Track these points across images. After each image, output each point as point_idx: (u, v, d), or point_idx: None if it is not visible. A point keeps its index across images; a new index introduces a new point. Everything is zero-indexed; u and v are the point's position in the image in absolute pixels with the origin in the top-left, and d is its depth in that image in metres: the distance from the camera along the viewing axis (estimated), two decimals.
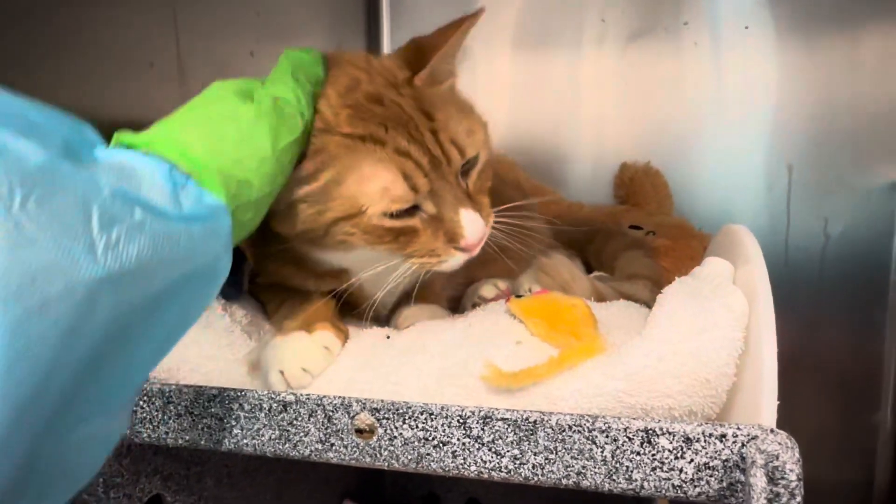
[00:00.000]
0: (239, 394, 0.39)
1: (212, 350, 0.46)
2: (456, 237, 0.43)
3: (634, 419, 0.32)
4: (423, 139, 0.42)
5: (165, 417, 0.40)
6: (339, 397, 0.37)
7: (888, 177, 0.84)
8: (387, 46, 1.01)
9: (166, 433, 0.41)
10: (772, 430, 0.30)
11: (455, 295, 0.61)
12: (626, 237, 0.77)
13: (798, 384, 0.88)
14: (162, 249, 0.28)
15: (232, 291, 0.48)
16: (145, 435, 0.41)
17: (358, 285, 0.49)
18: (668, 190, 0.89)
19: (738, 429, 0.31)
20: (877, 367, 0.87)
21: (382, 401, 0.36)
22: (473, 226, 0.43)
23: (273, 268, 0.51)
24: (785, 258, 0.88)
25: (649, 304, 0.57)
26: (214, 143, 0.34)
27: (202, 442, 0.40)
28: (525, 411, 0.34)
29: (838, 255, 0.86)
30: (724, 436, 0.31)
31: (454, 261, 0.45)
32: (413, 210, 0.43)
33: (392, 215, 0.42)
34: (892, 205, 0.84)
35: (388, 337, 0.48)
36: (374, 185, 0.41)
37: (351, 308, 0.56)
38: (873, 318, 0.87)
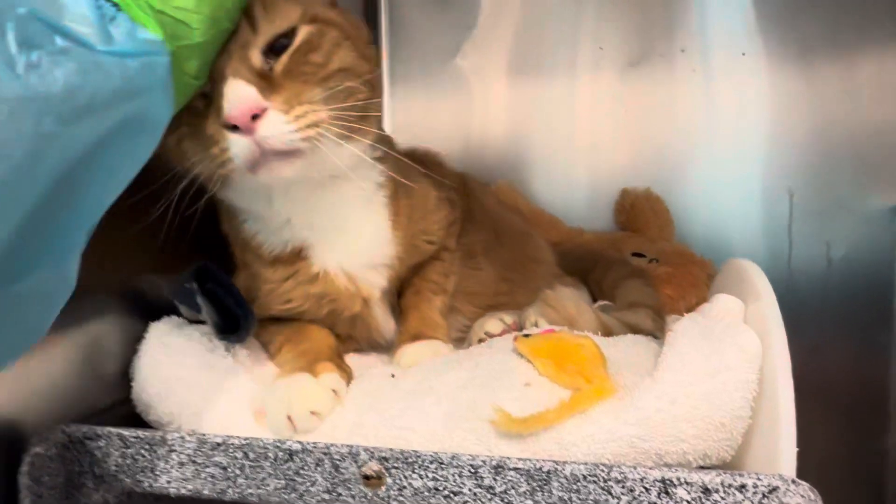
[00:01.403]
0: (244, 442, 0.38)
1: (215, 394, 0.45)
2: (219, 111, 0.39)
3: (651, 468, 0.32)
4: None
5: (168, 466, 0.39)
6: (347, 446, 0.36)
7: (888, 201, 0.84)
8: (386, 61, 1.02)
9: (168, 482, 0.40)
10: (794, 481, 0.29)
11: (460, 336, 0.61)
12: (626, 266, 0.77)
13: (804, 409, 0.87)
14: (93, 79, 0.27)
15: (234, 337, 0.47)
16: (146, 484, 0.40)
17: (306, 247, 0.49)
18: (669, 216, 0.89)
19: (759, 479, 0.30)
20: (883, 392, 0.87)
21: (391, 449, 0.35)
22: (234, 98, 0.39)
23: (245, 280, 0.52)
24: (787, 282, 0.88)
25: (653, 334, 0.57)
26: None
27: (205, 491, 0.39)
28: (538, 461, 0.33)
29: (841, 278, 0.86)
30: (743, 486, 0.30)
31: (235, 149, 0.40)
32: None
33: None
34: (893, 229, 0.84)
35: (393, 376, 0.47)
36: None
37: (353, 343, 0.56)
38: (878, 342, 0.86)
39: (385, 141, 0.53)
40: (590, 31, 0.93)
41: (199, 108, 0.41)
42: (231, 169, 0.41)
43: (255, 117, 0.39)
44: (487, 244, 0.67)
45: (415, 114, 1.02)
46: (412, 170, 0.58)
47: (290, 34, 0.42)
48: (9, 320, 0.27)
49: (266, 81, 0.40)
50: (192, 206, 0.44)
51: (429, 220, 0.58)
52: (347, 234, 0.51)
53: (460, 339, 0.61)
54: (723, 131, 0.89)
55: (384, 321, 0.55)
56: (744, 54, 0.88)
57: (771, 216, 0.87)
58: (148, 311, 0.53)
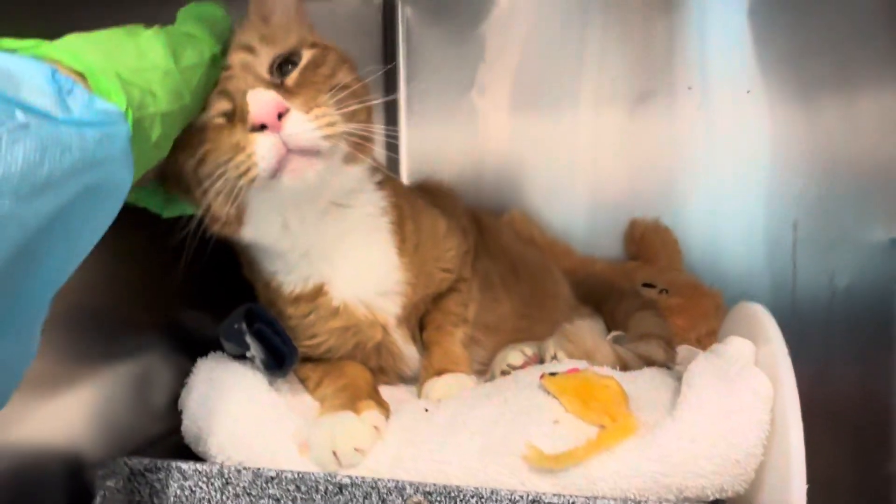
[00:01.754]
0: (296, 476, 0.41)
1: (260, 427, 0.48)
2: (245, 115, 0.42)
3: (676, 503, 0.35)
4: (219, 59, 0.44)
5: (224, 498, 0.43)
6: (394, 481, 0.39)
7: (890, 233, 0.87)
8: (403, 93, 1.06)
9: None
10: None
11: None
12: (638, 298, 0.80)
13: (811, 434, 0.90)
14: (52, 153, 0.27)
15: (280, 372, 0.50)
16: None
17: (325, 283, 0.52)
18: (678, 246, 0.93)
19: None
20: (888, 418, 0.89)
21: (434, 484, 0.39)
22: (259, 100, 0.42)
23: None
24: (792, 311, 0.91)
25: (664, 364, 0.61)
26: (112, 49, 0.34)
27: None
28: (572, 496, 0.36)
29: (845, 307, 0.89)
30: None
31: (262, 150, 0.42)
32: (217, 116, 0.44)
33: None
34: (894, 260, 0.87)
35: (427, 410, 0.50)
36: None
37: (382, 375, 0.59)
38: (882, 369, 0.89)
39: (381, 170, 0.56)
40: (603, 67, 0.97)
41: (221, 125, 0.44)
42: (254, 176, 0.42)
43: (279, 117, 0.42)
44: (505, 279, 0.70)
45: (429, 143, 1.06)
46: (417, 198, 0.62)
47: (293, 55, 0.46)
48: None
49: (282, 90, 0.44)
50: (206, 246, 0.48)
51: (440, 248, 0.61)
52: (358, 263, 0.54)
53: (481, 371, 0.64)
54: (727, 165, 0.93)
55: (406, 349, 0.58)
56: (748, 92, 0.91)
57: (775, 247, 0.91)
58: (191, 345, 0.57)
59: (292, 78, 0.45)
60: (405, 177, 1.05)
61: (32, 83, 0.28)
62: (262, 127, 0.41)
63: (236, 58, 0.45)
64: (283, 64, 0.45)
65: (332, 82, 0.46)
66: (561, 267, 0.87)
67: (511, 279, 0.71)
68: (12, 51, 0.31)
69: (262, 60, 0.45)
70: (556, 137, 0.99)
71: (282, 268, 0.53)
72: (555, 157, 1.00)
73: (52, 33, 0.35)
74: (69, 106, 0.29)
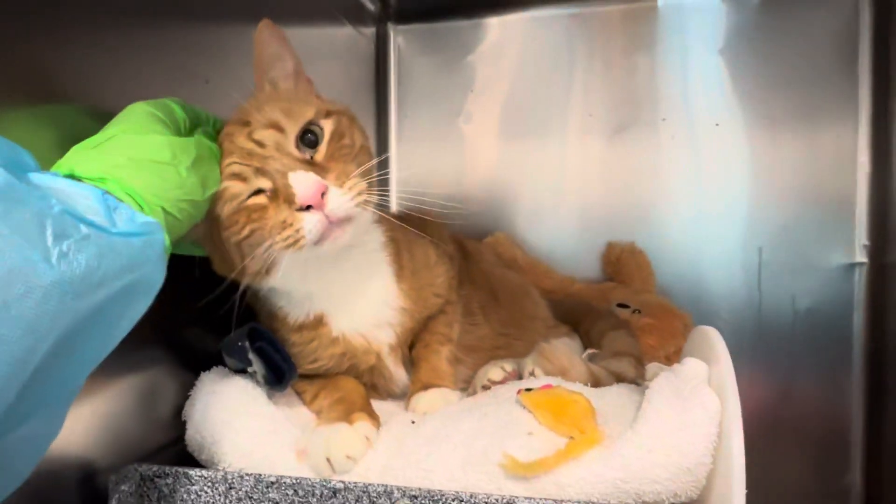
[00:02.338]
0: (294, 481, 0.45)
1: (260, 436, 0.52)
2: (290, 197, 0.47)
3: None
4: (238, 145, 0.49)
5: (227, 501, 0.47)
6: (382, 485, 0.44)
7: (847, 259, 0.93)
8: (394, 120, 1.11)
9: None
10: None
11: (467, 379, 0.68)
12: (612, 318, 0.85)
13: (773, 447, 0.96)
14: (107, 259, 0.32)
15: (279, 387, 0.55)
16: None
17: (326, 314, 0.57)
18: (651, 269, 0.98)
19: None
20: (846, 431, 0.95)
21: (419, 488, 0.43)
22: (304, 184, 0.47)
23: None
24: (758, 331, 0.97)
25: (634, 380, 0.66)
26: (159, 186, 0.40)
27: None
28: (541, 499, 0.41)
29: (806, 328, 0.95)
30: None
31: (309, 225, 0.47)
32: (257, 194, 0.49)
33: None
34: (851, 284, 0.93)
35: (413, 422, 0.55)
36: (224, 198, 0.49)
37: (374, 391, 0.64)
38: (840, 386, 0.95)
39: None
40: (581, 100, 1.03)
41: (264, 205, 0.49)
42: (301, 246, 0.48)
43: (321, 195, 0.47)
44: (485, 304, 0.75)
45: (417, 168, 1.11)
46: (407, 230, 0.67)
47: (311, 128, 0.51)
48: None
49: (315, 167, 0.49)
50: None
51: (433, 274, 0.66)
52: (359, 298, 0.59)
53: (463, 388, 0.69)
54: (699, 193, 0.99)
55: (396, 372, 0.63)
56: (717, 125, 0.98)
57: (742, 271, 0.97)
58: (194, 361, 0.61)
59: (321, 153, 0.50)
60: (394, 201, 1.11)
61: (87, 203, 0.34)
62: (308, 207, 0.47)
63: (267, 136, 0.49)
64: (305, 134, 0.50)
65: (354, 151, 0.52)
66: (541, 287, 0.92)
67: (491, 303, 0.76)
68: (71, 176, 0.37)
69: (290, 137, 0.50)
70: (540, 164, 1.05)
71: (287, 303, 0.58)
72: (538, 183, 1.06)
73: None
74: (115, 220, 0.34)
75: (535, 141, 1.06)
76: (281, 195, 0.48)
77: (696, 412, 0.45)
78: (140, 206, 0.38)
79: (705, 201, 0.99)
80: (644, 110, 1.01)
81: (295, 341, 0.58)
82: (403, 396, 0.65)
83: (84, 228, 0.32)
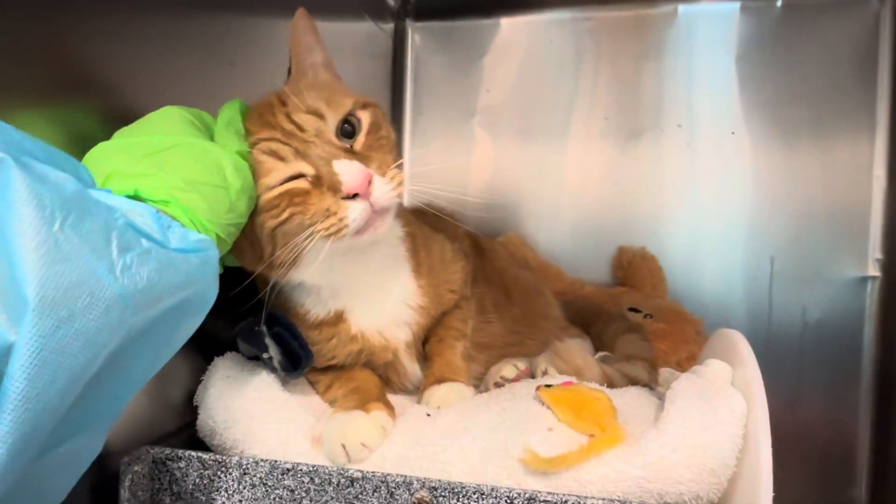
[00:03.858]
0: (311, 468, 0.45)
1: (275, 424, 0.51)
2: (336, 185, 0.47)
3: None
4: (277, 122, 0.49)
5: (241, 487, 0.46)
6: (401, 476, 0.43)
7: (859, 272, 0.93)
8: (408, 117, 1.11)
9: (240, 501, 0.46)
10: None
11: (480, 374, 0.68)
12: (624, 321, 0.85)
13: (779, 460, 0.95)
14: (167, 273, 0.32)
15: (296, 374, 0.54)
16: (220, 502, 0.46)
17: (346, 311, 0.56)
18: (663, 274, 0.98)
19: None
20: (852, 445, 0.94)
21: (439, 480, 0.42)
22: (350, 172, 0.47)
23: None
24: (767, 341, 0.96)
25: (647, 384, 0.65)
26: (213, 210, 0.40)
27: None
28: (564, 495, 0.40)
29: (815, 340, 0.95)
30: None
31: (354, 214, 0.47)
32: (297, 178, 0.48)
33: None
34: (863, 297, 0.93)
35: (429, 415, 0.54)
36: (258, 174, 0.48)
37: (387, 386, 0.63)
38: (848, 400, 0.94)
39: None
40: (598, 105, 1.03)
41: (304, 190, 0.48)
42: (343, 235, 0.47)
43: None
44: (498, 302, 0.75)
45: (430, 166, 1.10)
46: (423, 225, 0.66)
47: (350, 118, 0.51)
48: (34, 485, 0.28)
49: (356, 156, 0.49)
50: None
51: (449, 271, 0.65)
52: (378, 294, 0.58)
53: (475, 385, 0.68)
54: (712, 200, 0.99)
55: (411, 368, 0.62)
56: (733, 133, 0.98)
57: (753, 280, 0.96)
58: (207, 346, 0.60)
59: (360, 142, 0.50)
60: (407, 197, 1.10)
61: (142, 219, 0.34)
62: (354, 195, 0.47)
63: (308, 121, 0.49)
64: (344, 124, 0.50)
65: (390, 143, 0.52)
66: (552, 289, 0.91)
67: (504, 301, 0.76)
68: (135, 197, 0.37)
69: (331, 125, 0.49)
70: (553, 166, 1.05)
71: (308, 300, 0.57)
72: (550, 185, 1.05)
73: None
74: (169, 238, 0.35)
75: (548, 143, 1.06)
76: (325, 183, 0.47)
77: (721, 413, 0.45)
78: (196, 228, 0.38)
79: (718, 208, 0.99)
80: (659, 116, 1.01)
81: (314, 339, 0.57)
82: (416, 391, 0.64)
83: (145, 242, 0.32)
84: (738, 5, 0.97)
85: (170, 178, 0.38)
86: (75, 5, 0.45)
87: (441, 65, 1.10)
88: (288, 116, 0.49)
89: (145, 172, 0.38)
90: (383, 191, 0.48)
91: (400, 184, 0.49)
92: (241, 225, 0.44)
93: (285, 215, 0.47)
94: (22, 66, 0.41)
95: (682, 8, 0.99)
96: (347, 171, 0.47)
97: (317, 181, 0.48)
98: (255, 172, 0.47)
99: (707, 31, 0.99)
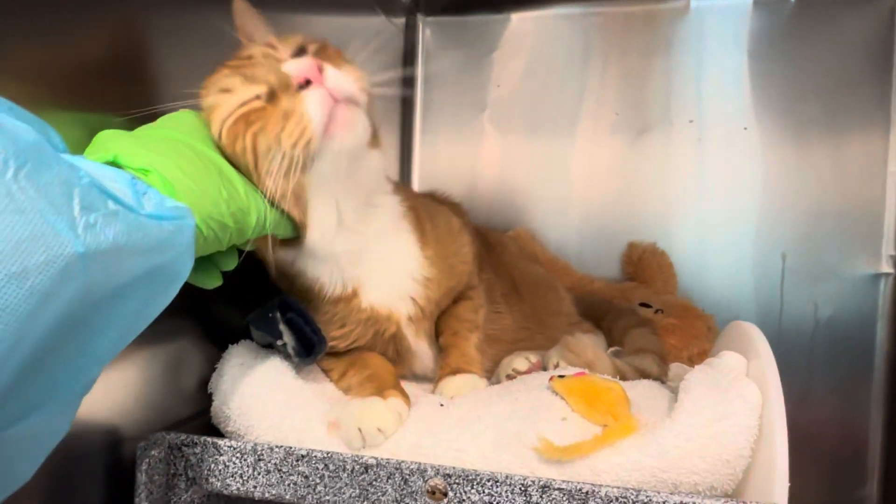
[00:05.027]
0: (325, 455, 0.45)
1: (288, 409, 0.52)
2: (286, 82, 0.44)
3: (671, 494, 0.39)
4: (236, 64, 0.48)
5: (255, 473, 0.46)
6: (416, 463, 0.43)
7: (871, 269, 0.93)
8: (419, 113, 1.11)
9: (255, 487, 0.46)
10: None
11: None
12: (635, 315, 0.84)
13: (790, 457, 0.94)
14: (135, 237, 0.30)
15: (309, 360, 0.54)
16: (234, 488, 0.47)
17: (358, 286, 0.56)
18: (673, 270, 0.98)
19: None
20: (863, 444, 0.94)
21: (454, 467, 0.42)
22: (297, 62, 0.44)
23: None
24: (777, 338, 0.96)
25: (658, 378, 0.65)
26: (195, 192, 0.38)
27: (287, 497, 0.45)
28: (578, 483, 0.40)
29: (827, 337, 0.94)
30: None
31: (312, 104, 0.43)
32: (250, 101, 0.45)
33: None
34: (876, 294, 0.92)
35: (442, 405, 0.54)
36: (212, 116, 0.46)
37: (398, 366, 0.63)
38: (859, 397, 0.94)
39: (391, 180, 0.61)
40: (608, 100, 1.03)
41: (262, 107, 0.45)
42: (309, 137, 0.43)
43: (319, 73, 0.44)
44: (507, 294, 0.75)
45: (440, 159, 1.11)
46: (428, 201, 0.65)
47: (303, 46, 0.48)
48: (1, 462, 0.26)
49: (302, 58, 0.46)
50: None
51: (458, 242, 0.65)
52: (387, 265, 0.58)
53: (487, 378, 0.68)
54: (723, 195, 0.98)
55: (416, 344, 0.62)
56: (746, 128, 0.97)
57: (764, 277, 0.96)
58: (220, 333, 0.60)
59: (311, 51, 0.47)
60: (417, 189, 1.10)
61: (115, 185, 0.32)
62: (307, 84, 0.44)
63: (257, 50, 0.47)
64: (297, 53, 0.48)
65: (344, 58, 0.49)
66: (561, 283, 0.91)
67: (513, 295, 0.76)
68: (112, 163, 0.36)
69: (283, 54, 0.47)
70: (561, 162, 1.05)
71: (326, 273, 0.55)
72: (559, 180, 1.05)
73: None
74: (143, 204, 0.33)
75: (558, 138, 1.05)
76: (278, 92, 0.45)
77: (736, 404, 0.44)
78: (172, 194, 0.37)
79: (729, 204, 0.98)
80: (669, 111, 1.00)
81: (327, 310, 0.57)
82: (424, 375, 0.64)
83: (112, 204, 0.30)
84: (750, 0, 0.96)
85: (154, 154, 0.37)
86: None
87: (452, 59, 1.10)
88: (237, 57, 0.48)
89: (129, 143, 0.38)
90: (339, 78, 0.44)
91: (359, 78, 0.46)
92: (224, 226, 0.41)
93: (248, 141, 0.44)
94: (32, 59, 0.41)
95: (694, 3, 0.99)
96: (294, 63, 0.44)
97: (271, 96, 0.45)
98: (213, 118, 0.45)
99: (719, 26, 0.99)
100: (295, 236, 0.51)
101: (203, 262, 0.46)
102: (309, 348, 0.53)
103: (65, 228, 0.26)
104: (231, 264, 0.48)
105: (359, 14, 0.97)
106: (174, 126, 0.44)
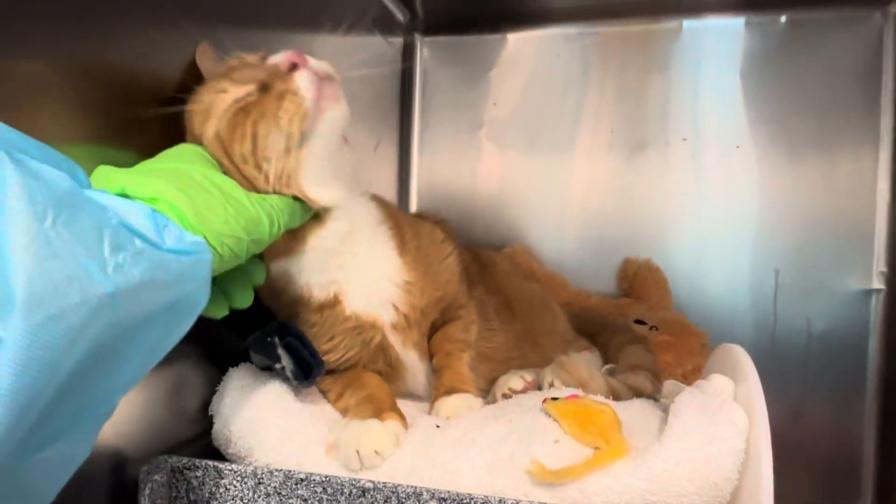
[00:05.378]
0: (324, 479, 0.46)
1: (288, 432, 0.53)
2: (275, 70, 0.49)
3: None
4: (222, 73, 0.51)
5: (255, 496, 0.47)
6: (412, 486, 0.44)
7: (864, 284, 0.94)
8: (416, 130, 1.12)
9: None
10: None
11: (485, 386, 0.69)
12: (630, 333, 0.86)
13: (785, 471, 0.95)
14: (158, 273, 0.32)
15: (307, 383, 0.55)
16: None
17: (342, 292, 0.57)
18: (668, 286, 0.99)
19: None
20: (857, 456, 0.95)
21: (448, 491, 0.44)
22: (282, 54, 0.50)
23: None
24: (772, 352, 0.97)
25: (651, 395, 0.66)
26: (203, 212, 0.40)
27: None
28: None
29: (820, 352, 0.96)
30: None
31: (302, 81, 0.48)
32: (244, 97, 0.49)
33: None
34: (868, 310, 0.94)
35: (438, 426, 0.56)
36: (210, 116, 0.49)
37: (391, 381, 0.64)
38: (853, 411, 0.95)
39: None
40: (604, 117, 1.05)
41: (255, 100, 0.49)
42: (304, 112, 0.48)
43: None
44: (500, 312, 0.76)
45: (437, 176, 1.12)
46: (411, 216, 0.66)
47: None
48: (21, 488, 0.28)
49: None
50: None
51: (442, 251, 0.66)
52: (366, 272, 0.59)
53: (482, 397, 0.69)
54: (717, 213, 1.00)
55: (403, 354, 0.63)
56: (738, 146, 0.99)
57: (757, 292, 0.97)
58: (220, 356, 0.62)
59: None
60: (414, 207, 1.12)
61: (138, 219, 0.34)
62: (294, 67, 0.48)
63: (235, 62, 0.52)
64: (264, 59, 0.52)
65: None
66: (557, 299, 0.92)
67: (506, 313, 0.77)
68: (124, 196, 0.38)
69: (257, 59, 0.52)
70: (559, 179, 1.06)
71: (314, 277, 0.57)
72: (555, 197, 1.06)
73: None
74: (165, 238, 0.35)
75: (555, 155, 1.07)
76: (269, 80, 0.49)
77: (723, 427, 0.46)
78: (189, 229, 0.38)
79: (723, 221, 1.00)
80: (665, 129, 1.02)
81: (315, 321, 0.58)
82: (417, 392, 0.65)
83: (139, 243, 0.32)
84: (742, 20, 0.98)
85: (158, 181, 0.39)
86: (91, 6, 0.47)
87: (449, 78, 1.12)
88: (221, 74, 0.51)
89: (133, 175, 0.39)
90: (320, 63, 0.50)
91: (331, 63, 0.51)
92: (238, 240, 0.42)
93: (248, 128, 0.48)
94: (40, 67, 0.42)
95: (686, 23, 1.01)
96: (278, 56, 0.50)
97: (263, 88, 0.49)
98: (212, 115, 0.48)
99: (712, 45, 1.00)
100: (313, 215, 0.53)
101: (211, 292, 0.47)
102: (307, 371, 0.54)
103: (96, 270, 0.29)
104: (245, 301, 0.51)
105: (356, 34, 0.99)
106: (171, 157, 0.46)
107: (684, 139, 1.01)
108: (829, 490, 0.96)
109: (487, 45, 1.09)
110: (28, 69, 0.42)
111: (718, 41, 1.00)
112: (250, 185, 0.48)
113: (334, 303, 0.58)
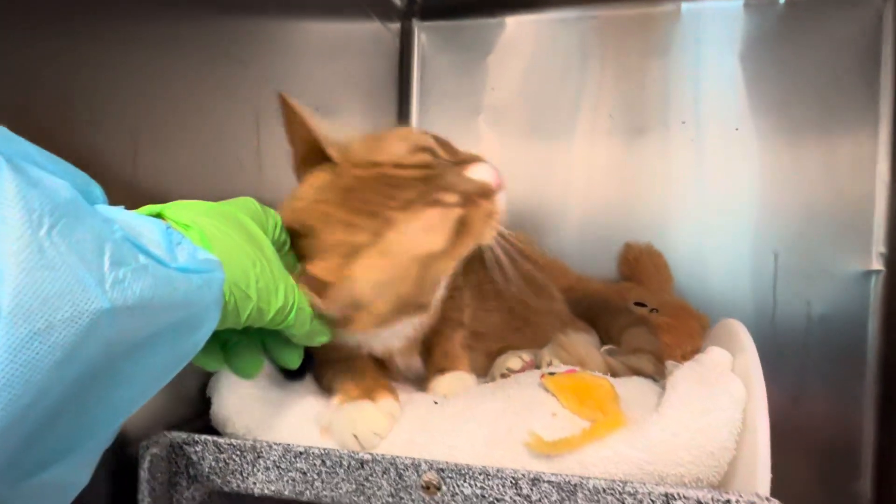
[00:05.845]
0: (322, 452, 0.46)
1: (285, 410, 0.53)
2: (485, 190, 0.51)
3: (656, 485, 0.40)
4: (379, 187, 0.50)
5: (255, 469, 0.47)
6: (410, 458, 0.44)
7: (863, 266, 0.94)
8: (415, 118, 1.12)
9: (254, 483, 0.47)
10: (767, 499, 0.38)
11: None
12: (631, 314, 0.86)
13: (783, 453, 0.95)
14: (162, 291, 0.30)
15: (300, 378, 0.56)
16: (234, 484, 0.48)
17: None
18: (669, 270, 0.99)
19: (740, 496, 0.39)
20: (857, 438, 0.95)
21: (447, 462, 0.44)
22: (487, 172, 0.52)
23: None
24: (771, 337, 0.97)
25: (653, 376, 0.66)
26: (233, 261, 0.38)
27: (286, 492, 0.47)
28: (567, 476, 0.41)
29: (820, 335, 0.95)
30: (728, 501, 0.39)
31: (502, 204, 0.52)
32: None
33: None
34: (867, 291, 0.94)
35: (436, 402, 0.56)
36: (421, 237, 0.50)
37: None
38: (853, 394, 0.95)
39: None
40: (602, 102, 1.04)
41: (462, 217, 0.50)
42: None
43: None
44: (498, 291, 0.76)
45: None
46: None
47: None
48: None
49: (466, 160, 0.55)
50: None
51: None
52: None
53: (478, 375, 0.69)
54: (716, 196, 1.00)
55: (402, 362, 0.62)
56: (737, 129, 0.99)
57: (757, 275, 0.97)
58: None
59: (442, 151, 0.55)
60: None
61: (150, 236, 0.32)
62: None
63: (418, 159, 0.51)
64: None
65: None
66: (558, 285, 0.92)
67: (505, 292, 0.77)
68: (157, 216, 0.37)
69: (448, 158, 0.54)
70: (558, 164, 1.06)
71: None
72: (555, 183, 1.06)
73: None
74: (176, 255, 0.33)
75: (554, 141, 1.07)
76: (471, 196, 0.49)
77: (720, 398, 0.46)
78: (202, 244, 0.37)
79: (722, 205, 0.99)
80: (663, 113, 1.02)
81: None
82: (408, 370, 0.65)
83: (143, 258, 0.30)
84: (740, 3, 0.98)
85: (198, 215, 0.38)
86: (79, 8, 0.46)
87: (447, 63, 1.11)
88: (392, 167, 0.49)
89: (178, 204, 0.38)
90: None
91: None
92: (246, 297, 0.39)
93: (463, 248, 0.50)
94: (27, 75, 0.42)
95: (685, 6, 1.00)
96: (485, 172, 0.51)
97: (464, 199, 0.49)
98: (414, 239, 0.48)
99: (711, 29, 1.00)
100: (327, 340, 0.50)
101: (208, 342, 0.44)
102: (301, 369, 0.54)
103: (93, 284, 0.27)
104: (293, 363, 0.50)
105: (353, 20, 0.98)
106: (229, 203, 0.44)
107: (683, 123, 1.01)
108: (828, 472, 0.96)
109: (485, 29, 1.09)
110: None
111: (717, 24, 1.00)
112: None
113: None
